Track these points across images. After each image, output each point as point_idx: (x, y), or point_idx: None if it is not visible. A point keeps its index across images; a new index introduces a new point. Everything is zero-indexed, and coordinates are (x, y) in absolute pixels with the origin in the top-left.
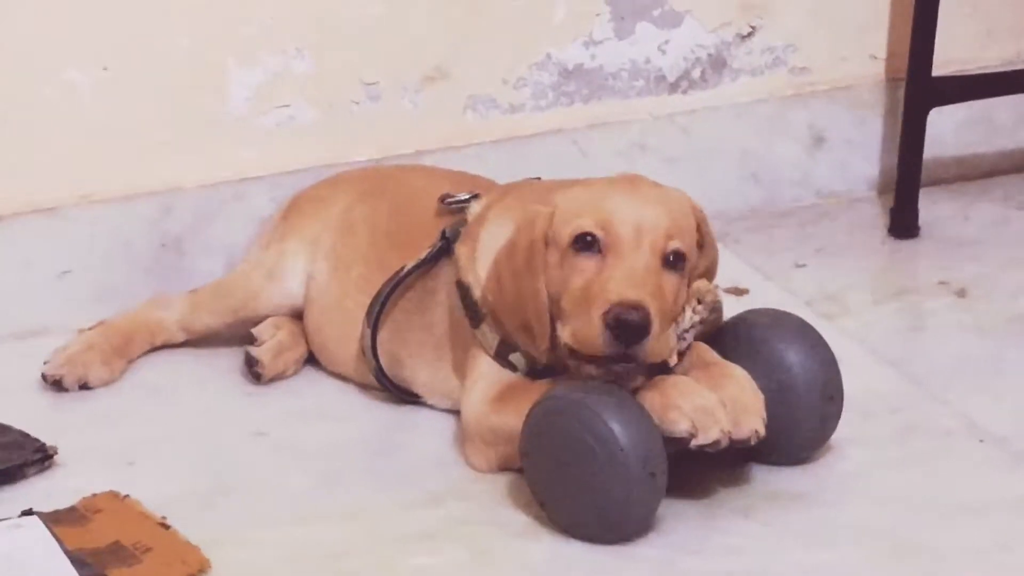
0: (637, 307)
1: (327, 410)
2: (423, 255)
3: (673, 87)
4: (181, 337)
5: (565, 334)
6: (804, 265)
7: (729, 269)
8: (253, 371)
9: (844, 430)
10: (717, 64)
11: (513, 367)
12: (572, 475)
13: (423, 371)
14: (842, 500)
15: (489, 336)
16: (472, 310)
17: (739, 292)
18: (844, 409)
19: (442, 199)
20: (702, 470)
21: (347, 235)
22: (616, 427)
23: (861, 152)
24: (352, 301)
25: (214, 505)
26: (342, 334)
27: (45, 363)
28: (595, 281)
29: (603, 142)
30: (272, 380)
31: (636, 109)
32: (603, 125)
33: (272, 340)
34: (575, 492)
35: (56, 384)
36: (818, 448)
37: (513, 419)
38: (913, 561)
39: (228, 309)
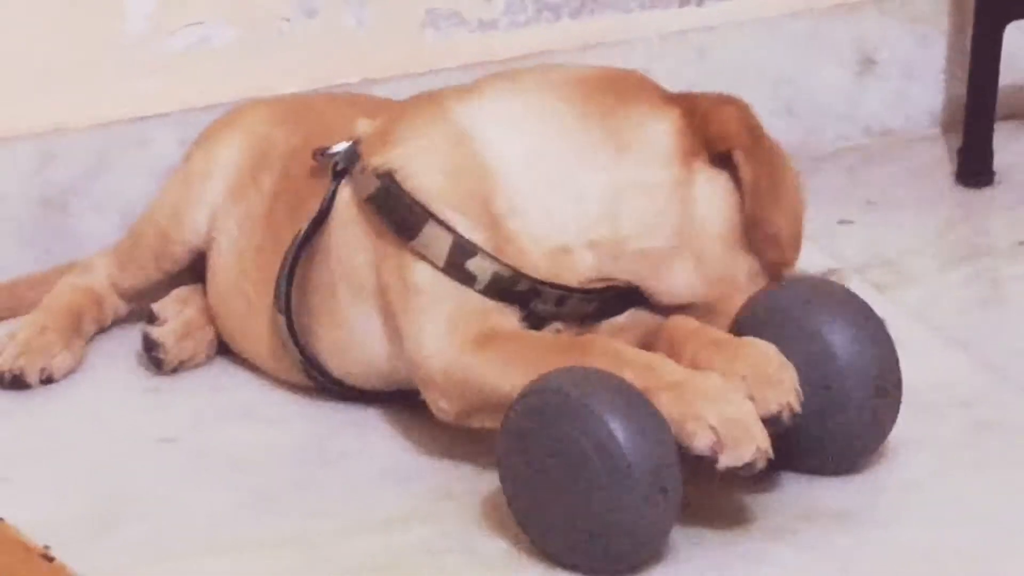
0: None
1: (252, 409)
2: (318, 208)
3: None
4: (123, 308)
5: None
6: (851, 222)
7: None
8: (153, 356)
9: (902, 430)
10: None
11: (471, 278)
12: (563, 491)
13: (326, 342)
14: (900, 518)
15: (439, 239)
16: (406, 212)
17: None
18: (902, 404)
19: (315, 154)
20: (723, 483)
21: (254, 183)
22: (620, 431)
23: (921, 79)
24: (251, 283)
25: (110, 530)
26: (249, 325)
27: None
28: None
29: None
30: (178, 368)
31: (640, 25)
32: (598, 46)
33: (177, 319)
34: (567, 512)
35: (16, 381)
36: (870, 454)
37: (491, 370)
38: None
39: (148, 260)
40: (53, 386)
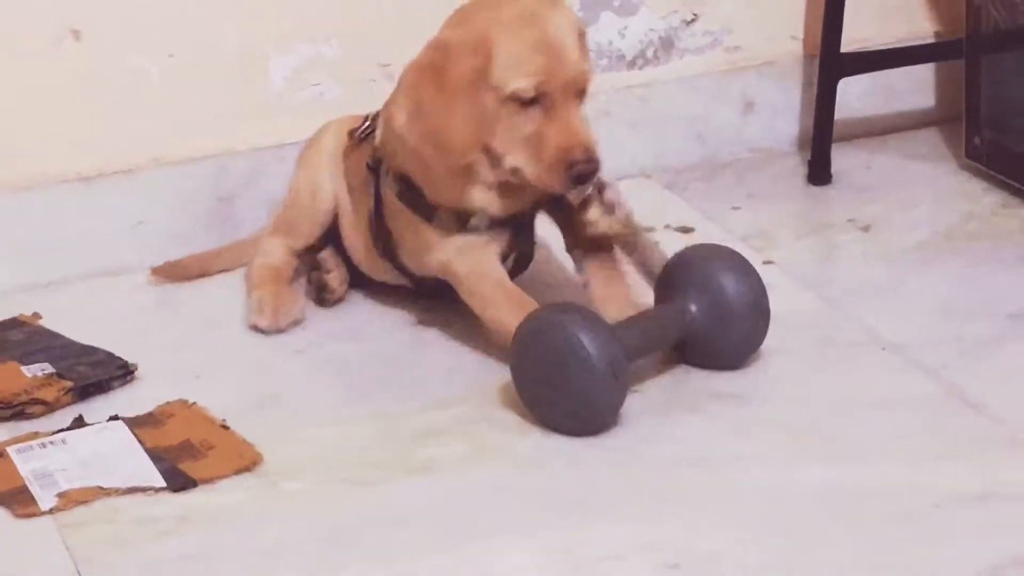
0: (592, 159)
1: (353, 331)
2: (373, 194)
3: (631, 64)
4: (296, 263)
5: (524, 169)
6: (739, 208)
7: (677, 212)
8: (323, 296)
9: (771, 342)
10: (667, 45)
11: (475, 228)
12: (552, 380)
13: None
14: (768, 399)
15: (447, 218)
16: (421, 202)
17: (686, 230)
18: (771, 325)
19: (351, 134)
20: (657, 375)
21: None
22: (585, 339)
23: (784, 115)
24: (359, 229)
25: (264, 410)
26: (362, 252)
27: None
28: (546, 135)
29: None
30: (336, 303)
31: (601, 83)
32: None
33: (339, 269)
34: (554, 394)
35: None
36: (751, 356)
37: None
38: (826, 448)
39: (306, 223)
40: (227, 318)
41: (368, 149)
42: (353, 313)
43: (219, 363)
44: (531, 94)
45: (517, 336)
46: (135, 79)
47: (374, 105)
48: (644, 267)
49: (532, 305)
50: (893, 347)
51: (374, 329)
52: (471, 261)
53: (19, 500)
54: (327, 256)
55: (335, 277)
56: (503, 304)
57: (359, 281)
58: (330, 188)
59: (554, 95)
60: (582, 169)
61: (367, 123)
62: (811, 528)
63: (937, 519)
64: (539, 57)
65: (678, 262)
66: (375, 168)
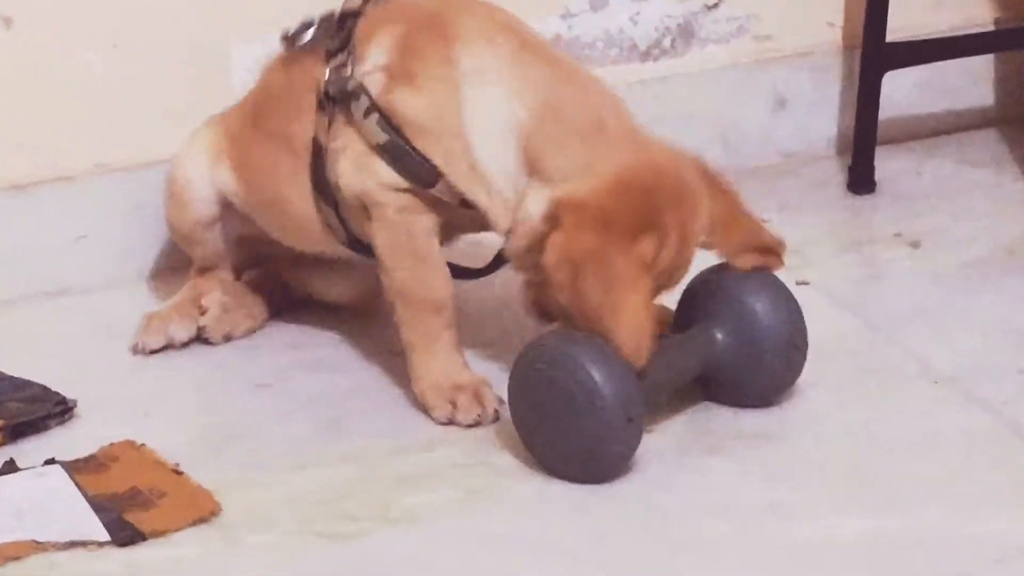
0: None
1: (323, 361)
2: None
3: (645, 56)
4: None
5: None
6: (768, 220)
7: None
8: (202, 338)
9: (807, 373)
10: (686, 33)
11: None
12: (556, 420)
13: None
14: (804, 438)
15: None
16: (419, 168)
17: (709, 247)
18: (807, 355)
19: (283, 39)
20: (676, 412)
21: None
22: (596, 375)
23: (821, 114)
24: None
25: (222, 452)
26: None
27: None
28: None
29: None
30: (229, 338)
31: (612, 76)
32: None
33: (216, 306)
34: (559, 436)
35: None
36: (784, 391)
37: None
38: (869, 493)
39: (188, 234)
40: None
41: (314, 64)
42: (323, 341)
43: (172, 398)
44: None
45: (517, 368)
46: (75, 73)
47: None
48: None
49: (443, 276)
50: (946, 379)
51: (347, 358)
52: (404, 204)
53: None
54: (211, 297)
55: (209, 317)
56: (415, 260)
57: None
58: (206, 181)
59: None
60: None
61: (310, 28)
62: None
63: None
64: None
65: (701, 284)
66: (338, 98)
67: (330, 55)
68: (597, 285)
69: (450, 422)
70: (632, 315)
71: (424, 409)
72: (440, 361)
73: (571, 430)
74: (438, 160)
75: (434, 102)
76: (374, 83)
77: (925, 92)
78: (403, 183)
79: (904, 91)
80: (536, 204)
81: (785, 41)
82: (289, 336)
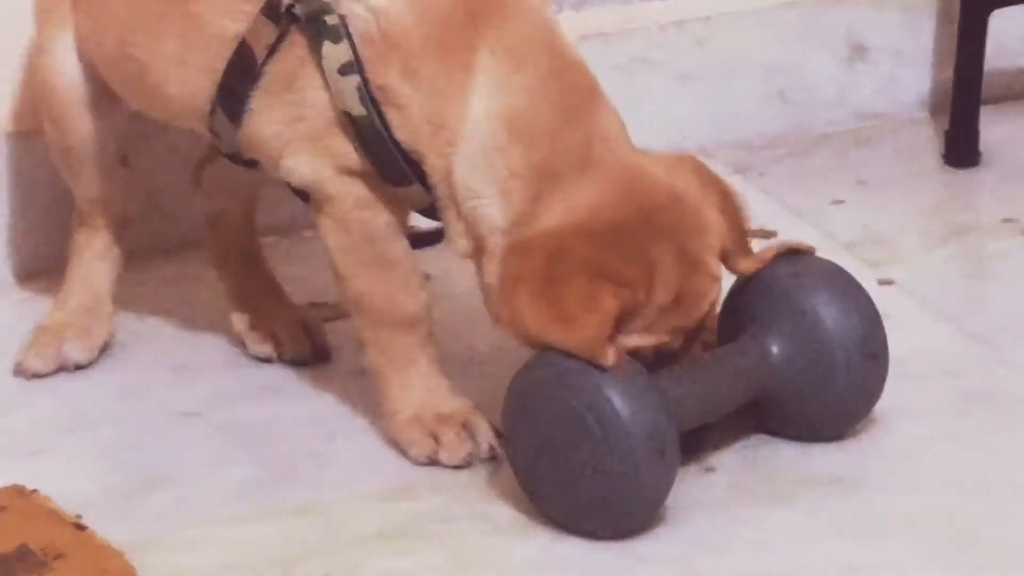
0: None
1: (269, 385)
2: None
3: None
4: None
5: None
6: (843, 201)
7: (753, 207)
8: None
9: (891, 399)
10: None
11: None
12: (565, 458)
13: None
14: (889, 484)
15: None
16: (393, 160)
17: (765, 234)
18: (890, 374)
19: None
20: (718, 449)
21: None
22: (616, 399)
23: (910, 64)
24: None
25: (139, 501)
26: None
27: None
28: None
29: (599, 57)
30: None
31: (639, 15)
32: (598, 36)
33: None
34: (569, 478)
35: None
36: (859, 421)
37: None
38: (974, 555)
39: (69, 141)
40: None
41: None
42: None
43: (71, 431)
44: None
45: (513, 392)
46: None
47: None
48: None
49: (414, 285)
50: None
51: (298, 382)
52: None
53: None
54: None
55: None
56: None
57: None
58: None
59: None
60: None
61: None
62: None
63: None
64: None
65: (753, 282)
66: (304, 21)
67: None
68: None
69: (432, 462)
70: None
71: (399, 446)
72: (418, 388)
73: (585, 470)
74: (428, 161)
75: (435, 103)
76: (363, 32)
77: None
78: (364, 169)
79: (1017, 35)
80: (496, 243)
81: None
82: (225, 351)
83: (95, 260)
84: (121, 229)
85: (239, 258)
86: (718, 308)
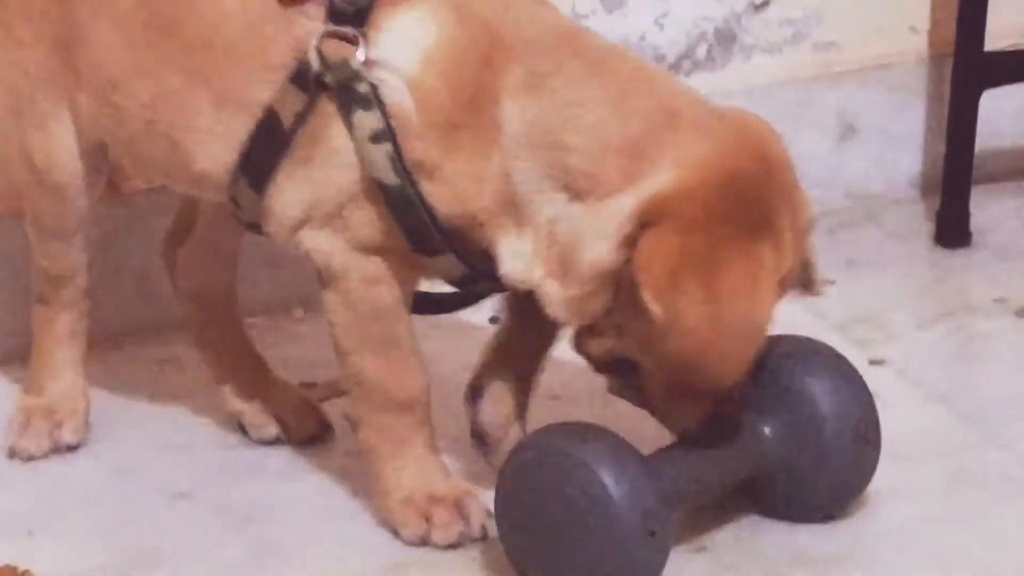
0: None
1: (260, 465)
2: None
3: (674, 68)
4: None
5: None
6: (833, 281)
7: None
8: None
9: (882, 479)
10: (726, 40)
11: None
12: (557, 538)
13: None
14: (880, 564)
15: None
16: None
17: None
18: (882, 454)
19: None
20: (710, 528)
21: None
22: (608, 480)
23: (901, 144)
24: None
25: None
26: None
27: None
28: None
29: None
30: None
31: None
32: None
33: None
34: (562, 558)
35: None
36: (853, 500)
37: None
38: None
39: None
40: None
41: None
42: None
43: (62, 511)
44: None
45: (506, 473)
46: None
47: None
48: None
49: (417, 366)
50: None
51: (290, 460)
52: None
53: None
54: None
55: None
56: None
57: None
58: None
59: None
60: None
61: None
62: None
63: None
64: None
65: None
66: (336, 89)
67: (334, 13)
68: (700, 294)
69: (424, 542)
70: (746, 331)
71: (391, 526)
72: (412, 470)
73: (576, 550)
74: (463, 221)
75: (477, 164)
76: (395, 102)
77: None
78: (384, 243)
79: (1008, 115)
80: (603, 223)
81: (854, 51)
82: (214, 430)
83: (66, 338)
84: (86, 302)
85: (225, 336)
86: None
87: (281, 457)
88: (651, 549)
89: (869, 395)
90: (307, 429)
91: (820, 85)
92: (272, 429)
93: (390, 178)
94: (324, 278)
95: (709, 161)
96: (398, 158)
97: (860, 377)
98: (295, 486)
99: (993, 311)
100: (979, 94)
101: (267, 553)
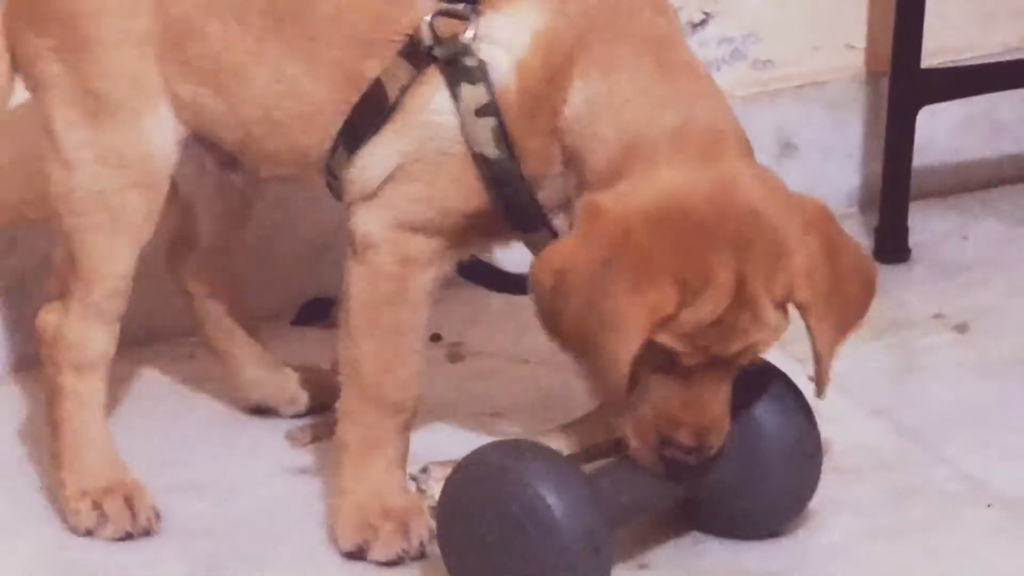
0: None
1: (206, 481)
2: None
3: None
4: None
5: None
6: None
7: None
8: None
9: (824, 494)
10: None
11: None
12: (500, 557)
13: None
14: None
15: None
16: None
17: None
18: (824, 469)
19: None
20: (653, 546)
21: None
22: (550, 497)
23: (838, 160)
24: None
25: None
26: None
27: None
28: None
29: None
30: None
31: None
32: None
33: None
34: None
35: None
36: (794, 517)
37: None
38: None
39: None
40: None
41: None
42: (202, 456)
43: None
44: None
45: (447, 492)
46: None
47: None
48: None
49: (418, 366)
50: (1004, 502)
51: (233, 478)
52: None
53: None
54: None
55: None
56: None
57: None
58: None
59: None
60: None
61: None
62: None
63: None
64: None
65: None
66: (445, 62)
67: None
68: (581, 307)
69: (361, 554)
70: (587, 347)
71: (334, 528)
72: (374, 476)
73: (520, 568)
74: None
75: (546, 143)
76: (502, 79)
77: (971, 132)
78: (438, 222)
79: (945, 131)
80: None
81: (792, 68)
82: (157, 447)
83: (96, 408)
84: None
85: (241, 330)
86: (765, 354)
87: (225, 474)
88: (595, 567)
89: (811, 413)
90: (335, 393)
91: (758, 103)
92: (304, 399)
93: (492, 151)
94: (358, 248)
95: (666, 192)
96: (502, 132)
97: (801, 393)
98: (237, 503)
99: (932, 327)
100: (916, 111)
101: (209, 572)
